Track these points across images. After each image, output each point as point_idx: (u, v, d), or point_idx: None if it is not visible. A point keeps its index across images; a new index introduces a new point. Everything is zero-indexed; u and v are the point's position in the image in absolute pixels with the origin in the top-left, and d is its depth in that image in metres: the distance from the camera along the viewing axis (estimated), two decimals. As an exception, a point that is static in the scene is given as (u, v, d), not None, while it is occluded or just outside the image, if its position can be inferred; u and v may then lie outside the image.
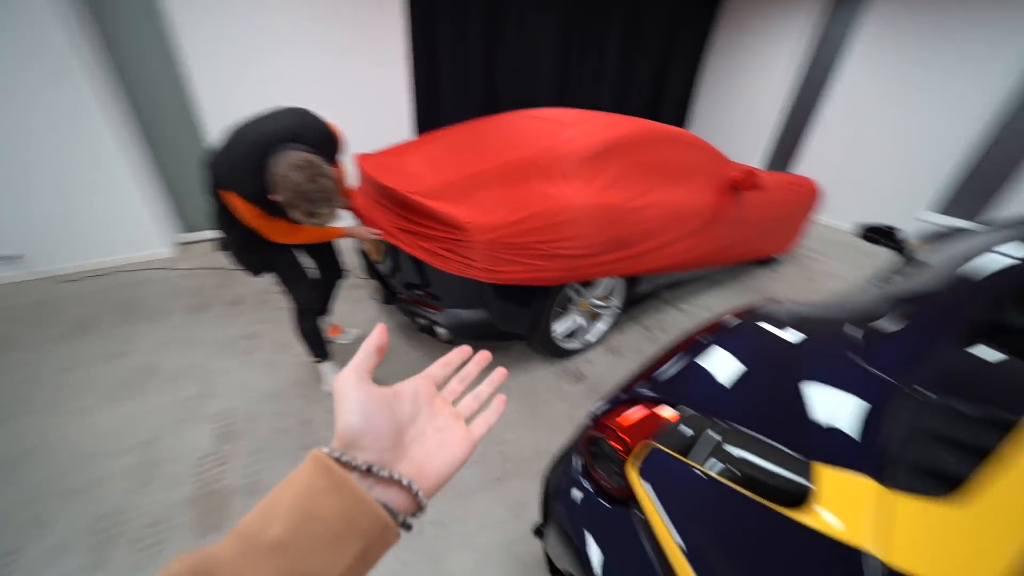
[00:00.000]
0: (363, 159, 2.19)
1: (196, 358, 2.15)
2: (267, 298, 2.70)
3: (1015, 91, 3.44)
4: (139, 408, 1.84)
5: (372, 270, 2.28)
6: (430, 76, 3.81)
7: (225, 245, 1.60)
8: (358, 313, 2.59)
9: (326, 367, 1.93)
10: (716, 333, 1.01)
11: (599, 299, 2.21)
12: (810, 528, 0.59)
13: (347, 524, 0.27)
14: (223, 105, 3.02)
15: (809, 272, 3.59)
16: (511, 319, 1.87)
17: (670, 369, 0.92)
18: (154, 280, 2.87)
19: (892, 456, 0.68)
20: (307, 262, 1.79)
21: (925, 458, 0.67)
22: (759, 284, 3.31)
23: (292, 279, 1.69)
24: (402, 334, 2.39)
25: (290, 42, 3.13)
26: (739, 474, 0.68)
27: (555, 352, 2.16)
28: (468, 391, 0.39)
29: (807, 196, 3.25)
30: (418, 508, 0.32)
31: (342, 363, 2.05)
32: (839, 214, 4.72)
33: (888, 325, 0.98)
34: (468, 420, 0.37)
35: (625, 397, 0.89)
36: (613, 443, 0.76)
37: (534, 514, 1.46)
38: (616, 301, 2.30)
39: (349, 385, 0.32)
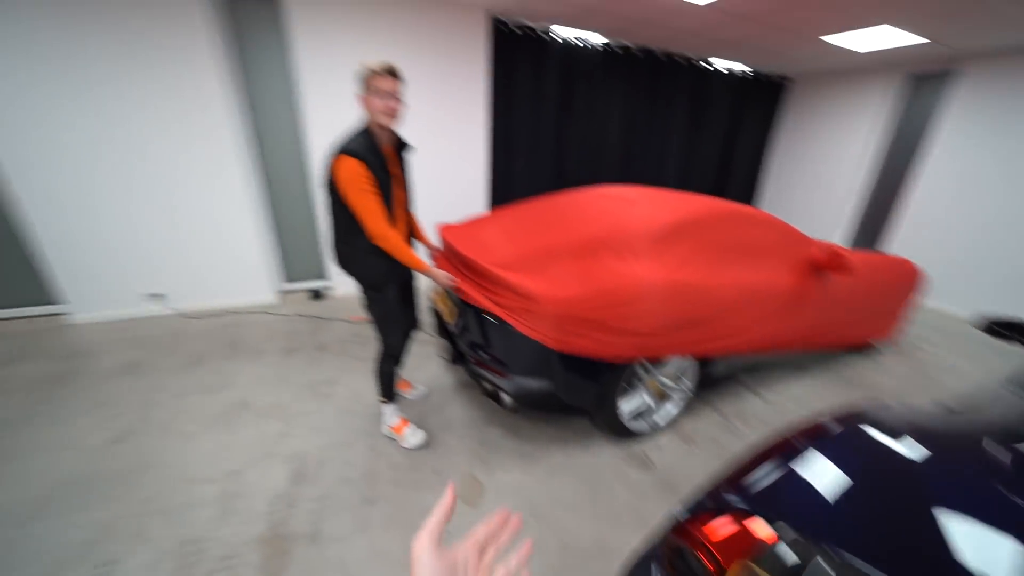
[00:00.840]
0: (444, 229, 2.42)
1: (282, 397, 2.36)
2: (348, 348, 2.94)
3: None
4: (230, 440, 2.03)
5: (442, 329, 2.41)
6: (506, 153, 4.21)
7: (336, 247, 1.79)
8: (425, 370, 2.70)
9: (389, 408, 2.05)
10: (816, 438, 0.92)
11: (669, 378, 2.11)
12: None
13: None
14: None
15: (921, 365, 3.13)
16: (577, 392, 1.84)
17: (762, 476, 0.85)
18: (256, 322, 3.28)
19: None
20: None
21: None
22: (857, 375, 2.93)
23: (391, 322, 1.87)
24: (460, 392, 2.44)
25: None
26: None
27: (620, 432, 2.05)
28: (500, 557, 0.43)
29: (906, 278, 2.93)
30: None
31: (408, 415, 2.12)
32: (953, 299, 4.15)
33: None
34: None
35: (711, 504, 0.82)
36: (703, 558, 0.70)
37: (594, 619, 1.32)
38: (688, 382, 2.18)
39: (425, 551, 0.39)
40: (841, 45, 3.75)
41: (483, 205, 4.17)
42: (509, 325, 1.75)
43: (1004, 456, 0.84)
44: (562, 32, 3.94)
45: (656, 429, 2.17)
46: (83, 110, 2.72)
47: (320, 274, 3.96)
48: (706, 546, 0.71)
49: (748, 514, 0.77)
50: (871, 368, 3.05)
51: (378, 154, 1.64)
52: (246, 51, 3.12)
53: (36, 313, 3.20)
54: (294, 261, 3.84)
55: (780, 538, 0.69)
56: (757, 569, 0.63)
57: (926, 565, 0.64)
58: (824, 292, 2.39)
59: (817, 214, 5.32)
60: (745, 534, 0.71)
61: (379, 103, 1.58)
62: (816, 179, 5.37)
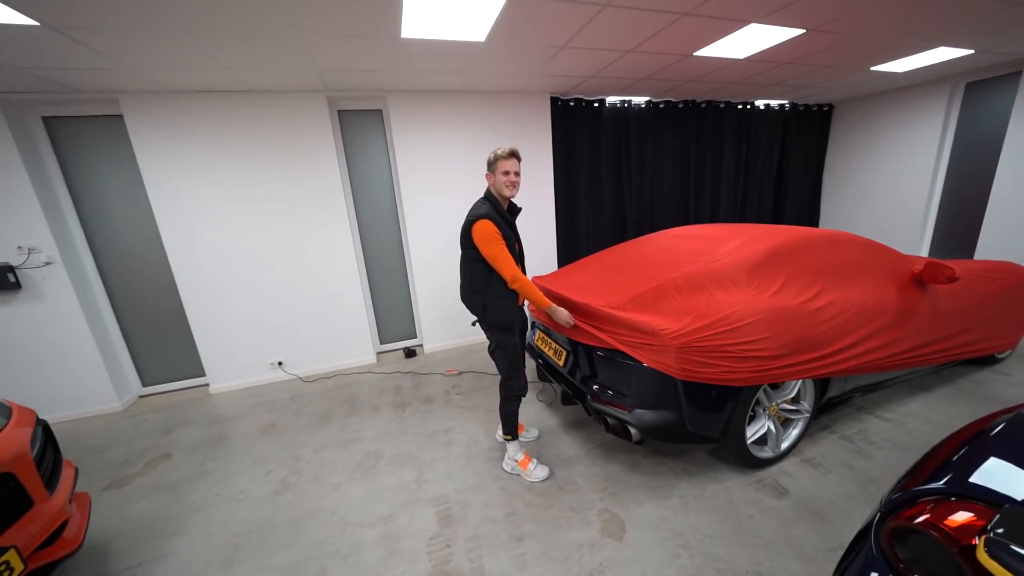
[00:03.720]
0: (540, 280, 2.67)
1: (408, 447, 2.56)
2: (451, 398, 3.15)
3: None
4: (374, 487, 2.23)
5: (547, 372, 2.58)
6: (571, 208, 4.56)
7: (467, 297, 2.11)
8: (526, 414, 2.81)
9: (513, 445, 2.22)
10: (998, 435, 0.99)
11: (788, 403, 2.13)
12: None
13: None
14: (423, 247, 3.99)
15: (1055, 376, 2.88)
16: (703, 422, 1.91)
17: (964, 464, 0.93)
18: (363, 382, 3.59)
19: None
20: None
21: None
22: (983, 389, 2.75)
23: (516, 367, 2.10)
24: (568, 432, 2.54)
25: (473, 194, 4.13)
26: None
27: (746, 460, 2.06)
28: None
29: (1017, 283, 2.81)
30: None
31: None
32: None
33: None
34: None
35: (920, 490, 0.91)
36: (941, 538, 0.78)
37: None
38: (806, 404, 2.18)
39: None
40: (884, 70, 3.92)
41: (554, 257, 4.46)
42: (630, 360, 1.91)
43: None
44: (609, 98, 4.39)
45: (779, 455, 2.15)
46: (226, 209, 3.35)
47: (411, 334, 4.31)
48: (941, 528, 0.80)
49: (964, 498, 0.85)
50: (996, 380, 2.85)
51: (503, 215, 1.99)
52: (355, 149, 3.75)
53: (186, 385, 3.71)
54: (388, 324, 4.23)
55: (1004, 517, 0.76)
56: (1006, 542, 0.71)
57: None
58: (932, 305, 2.37)
59: (891, 231, 5.18)
60: (976, 517, 0.79)
61: (502, 178, 1.94)
62: (881, 196, 5.30)
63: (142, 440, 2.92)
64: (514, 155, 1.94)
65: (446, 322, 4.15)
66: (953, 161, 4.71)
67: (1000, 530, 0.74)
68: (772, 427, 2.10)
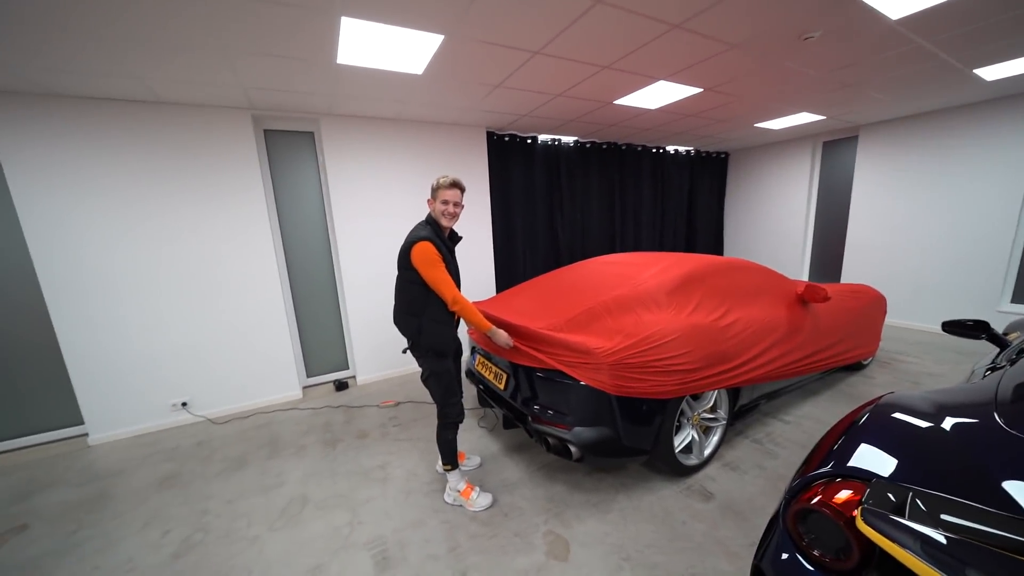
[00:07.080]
0: (480, 305, 2.70)
1: (340, 488, 2.36)
2: (388, 431, 2.99)
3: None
4: (300, 536, 2.01)
5: (488, 397, 2.57)
6: (508, 238, 4.71)
7: (397, 319, 2.07)
8: (468, 441, 2.77)
9: (454, 475, 2.15)
10: (864, 425, 1.19)
11: (707, 412, 2.34)
12: None
13: None
14: (356, 274, 3.84)
15: (908, 375, 3.51)
16: (636, 435, 2.03)
17: (842, 454, 1.09)
18: (287, 419, 3.27)
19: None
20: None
21: None
22: (854, 390, 3.26)
23: (451, 393, 2.05)
24: (511, 456, 2.53)
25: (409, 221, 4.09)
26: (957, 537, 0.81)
27: (676, 468, 2.21)
28: None
29: (872, 301, 3.44)
30: None
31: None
32: (921, 316, 4.73)
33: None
34: None
35: (812, 476, 1.05)
36: (830, 514, 0.91)
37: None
38: (722, 412, 2.41)
39: None
40: (764, 127, 4.70)
41: (492, 283, 4.52)
42: (568, 380, 1.99)
43: (1007, 415, 1.13)
44: (541, 136, 4.71)
45: (703, 461, 2.33)
46: (119, 230, 2.97)
47: (342, 365, 4.05)
48: (830, 505, 0.93)
49: (845, 479, 1.00)
50: (863, 382, 3.40)
51: (444, 240, 2.01)
52: (283, 171, 3.56)
53: (54, 438, 3.08)
54: (316, 356, 3.93)
55: (875, 486, 0.92)
56: (876, 510, 0.86)
57: (980, 489, 0.89)
58: (813, 321, 2.80)
59: (779, 258, 6.06)
60: (854, 494, 0.94)
61: (441, 207, 1.97)
62: (769, 229, 6.22)
63: (-13, 511, 2.35)
64: (456, 185, 1.99)
65: (382, 351, 3.97)
66: (820, 202, 5.71)
67: (871, 501, 0.89)
68: (695, 436, 2.28)
